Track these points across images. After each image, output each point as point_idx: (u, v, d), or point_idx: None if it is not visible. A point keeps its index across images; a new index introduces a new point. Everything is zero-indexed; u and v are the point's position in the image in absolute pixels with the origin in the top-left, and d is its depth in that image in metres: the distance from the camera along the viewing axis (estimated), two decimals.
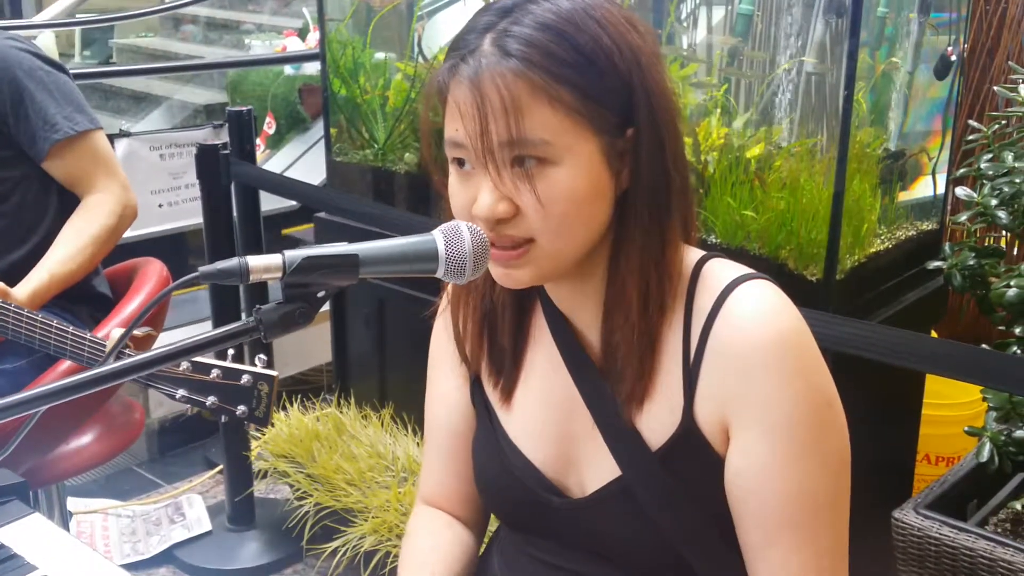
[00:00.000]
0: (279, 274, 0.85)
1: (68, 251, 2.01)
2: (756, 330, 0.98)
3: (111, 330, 1.83)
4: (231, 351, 1.37)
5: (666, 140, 1.00)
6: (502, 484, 1.15)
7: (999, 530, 1.94)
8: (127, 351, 1.08)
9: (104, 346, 1.64)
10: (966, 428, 1.90)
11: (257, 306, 0.86)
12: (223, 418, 1.36)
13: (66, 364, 1.81)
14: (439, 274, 0.95)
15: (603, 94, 0.97)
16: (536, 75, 0.94)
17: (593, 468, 1.09)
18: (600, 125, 0.97)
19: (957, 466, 2.09)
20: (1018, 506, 2.02)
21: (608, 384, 1.06)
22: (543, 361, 1.12)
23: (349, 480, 2.37)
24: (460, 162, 1.00)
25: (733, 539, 1.04)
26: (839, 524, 1.03)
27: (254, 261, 0.84)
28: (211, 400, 1.36)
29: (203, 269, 0.83)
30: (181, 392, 1.37)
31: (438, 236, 0.94)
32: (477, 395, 1.19)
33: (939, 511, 1.90)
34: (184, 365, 1.35)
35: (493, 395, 1.16)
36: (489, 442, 1.16)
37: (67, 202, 2.10)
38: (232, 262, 0.83)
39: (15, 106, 2.01)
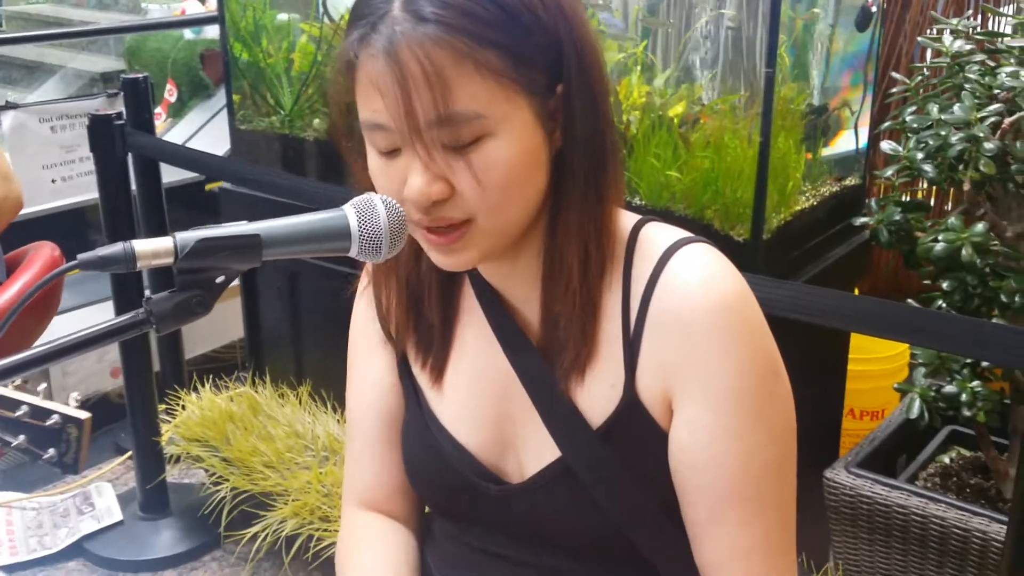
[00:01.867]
0: (170, 259, 0.76)
1: None
2: (697, 296, 0.93)
3: None
4: (42, 385, 1.26)
5: (598, 94, 0.94)
6: (433, 471, 1.08)
7: (928, 484, 1.95)
8: None
9: None
10: (896, 385, 1.88)
11: (147, 295, 0.76)
12: (36, 460, 1.26)
13: None
14: (352, 253, 0.86)
15: (532, 52, 0.89)
16: (458, 40, 0.85)
17: (532, 450, 1.02)
18: (531, 87, 0.89)
19: (885, 422, 2.09)
20: (946, 459, 2.03)
21: (545, 360, 1.00)
22: (474, 338, 1.05)
23: (267, 462, 2.28)
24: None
25: (679, 517, 0.99)
26: (786, 497, 0.98)
27: (141, 246, 0.74)
28: (20, 439, 1.25)
29: (82, 257, 0.73)
30: None
31: (350, 211, 0.86)
32: (404, 376, 1.10)
33: (869, 468, 1.89)
34: None
35: (421, 376, 1.09)
36: (418, 427, 1.09)
37: None
38: (116, 247, 0.74)
39: None
